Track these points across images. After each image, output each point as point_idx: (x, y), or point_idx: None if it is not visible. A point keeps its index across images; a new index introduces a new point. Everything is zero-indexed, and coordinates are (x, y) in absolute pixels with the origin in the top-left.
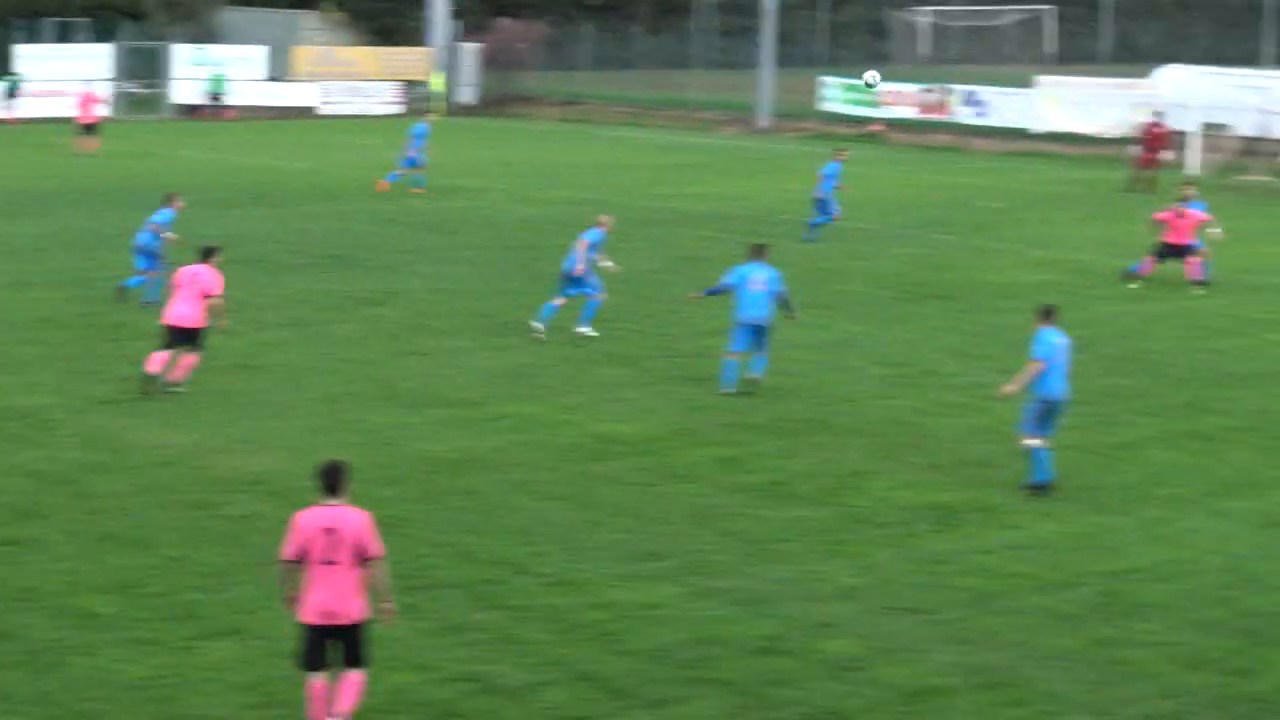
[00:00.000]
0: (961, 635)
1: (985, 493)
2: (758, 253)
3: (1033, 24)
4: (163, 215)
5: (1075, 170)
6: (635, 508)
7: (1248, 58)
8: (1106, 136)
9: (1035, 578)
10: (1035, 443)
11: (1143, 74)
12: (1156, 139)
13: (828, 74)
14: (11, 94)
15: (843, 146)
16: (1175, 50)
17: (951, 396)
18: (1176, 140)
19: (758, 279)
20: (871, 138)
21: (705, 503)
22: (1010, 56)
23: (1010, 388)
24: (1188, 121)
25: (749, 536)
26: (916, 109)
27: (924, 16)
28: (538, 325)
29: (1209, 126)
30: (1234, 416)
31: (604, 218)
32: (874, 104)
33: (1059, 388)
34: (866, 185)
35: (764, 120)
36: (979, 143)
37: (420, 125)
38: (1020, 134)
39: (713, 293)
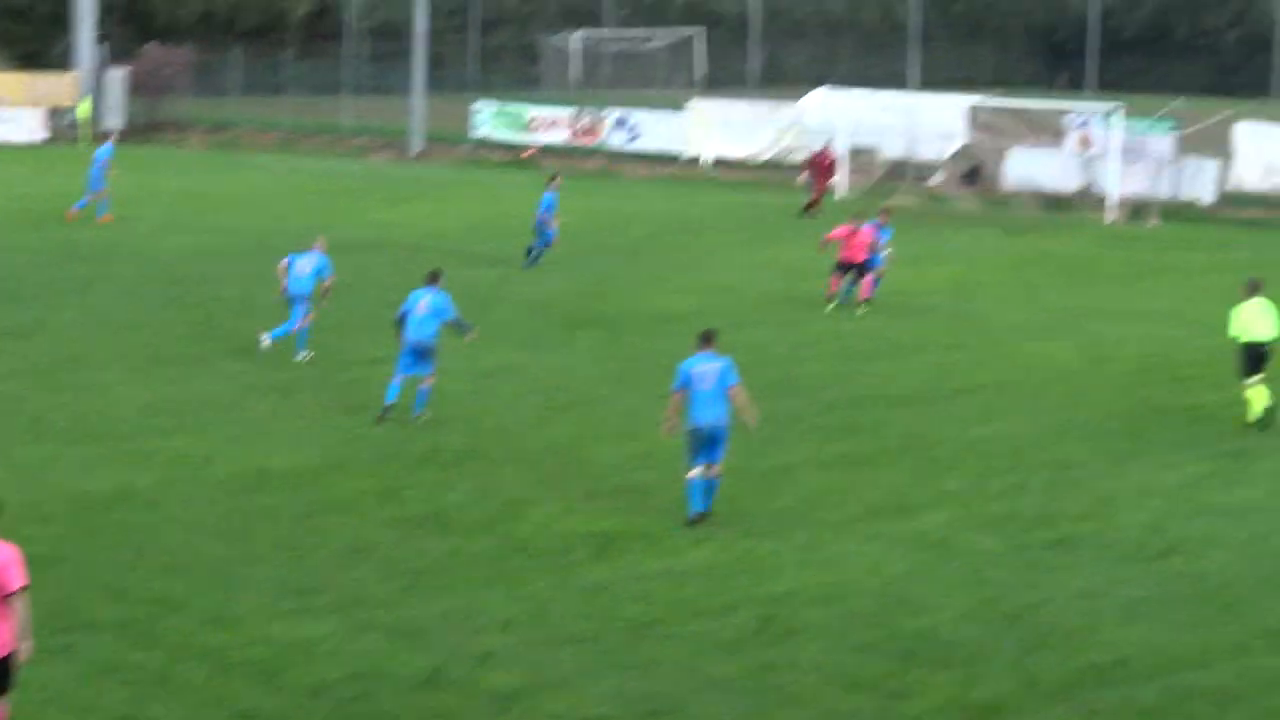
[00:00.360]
0: (622, 663)
1: (643, 519)
2: (431, 279)
3: (683, 48)
4: None
5: (727, 194)
6: (292, 541)
7: (893, 80)
8: (758, 160)
9: (694, 604)
10: (692, 473)
11: (792, 97)
12: (825, 165)
13: (480, 99)
14: None
15: (554, 174)
16: (823, 73)
17: (608, 424)
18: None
19: (422, 303)
20: (525, 163)
21: (363, 535)
22: (661, 80)
23: (667, 425)
24: (836, 144)
25: (408, 568)
26: (569, 134)
27: (574, 41)
28: (303, 355)
29: (856, 149)
30: (885, 439)
31: (319, 240)
32: (526, 129)
33: (702, 415)
34: (521, 211)
35: (417, 146)
36: (632, 168)
37: (104, 148)
38: (674, 158)
39: (398, 322)
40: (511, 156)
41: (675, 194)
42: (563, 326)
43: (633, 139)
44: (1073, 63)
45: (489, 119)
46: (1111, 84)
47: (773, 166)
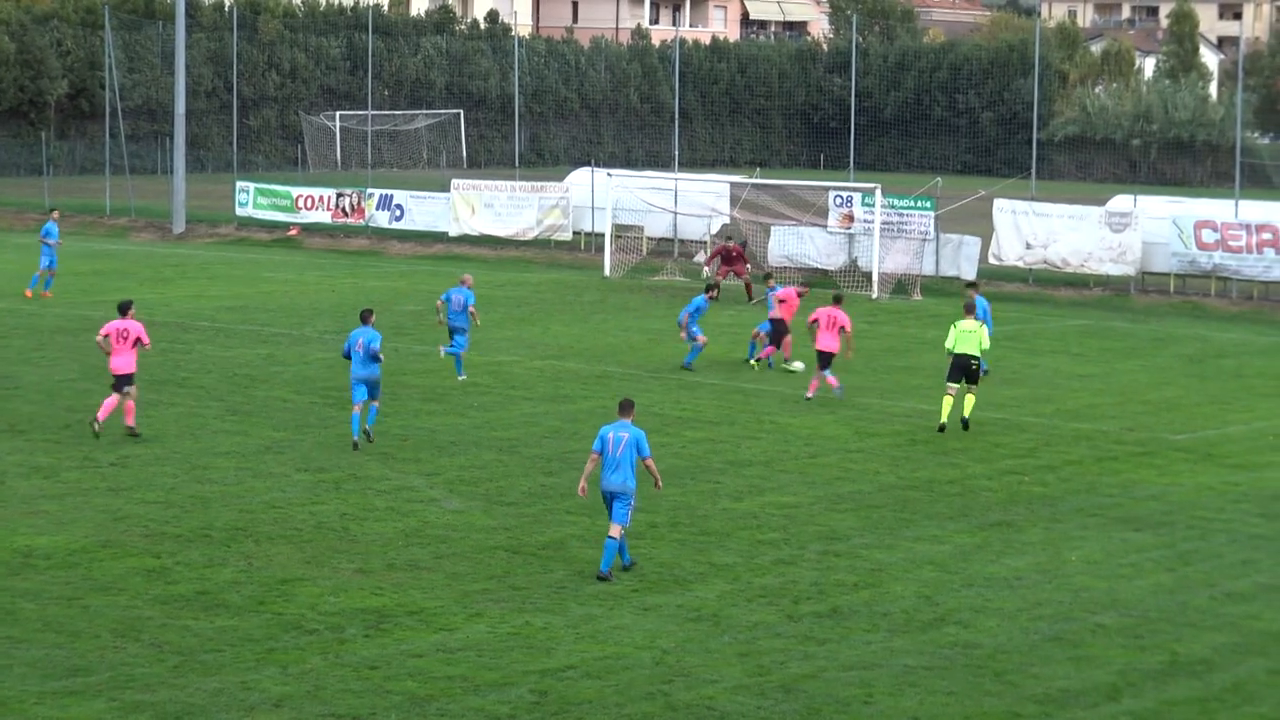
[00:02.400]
0: None
1: (415, 595)
2: (364, 317)
3: (447, 127)
4: None
5: (493, 273)
6: (59, 622)
7: (655, 160)
8: (522, 239)
9: (469, 679)
10: (612, 532)
11: (556, 176)
12: (733, 256)
13: (242, 179)
14: None
15: (711, 283)
16: (586, 152)
17: (378, 501)
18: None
19: (360, 342)
20: (289, 243)
21: (132, 615)
22: (426, 160)
23: (582, 484)
24: (600, 223)
25: (178, 648)
26: (331, 214)
27: (337, 120)
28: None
29: (620, 227)
30: (656, 513)
31: (466, 276)
32: (291, 208)
33: (607, 479)
34: (286, 290)
35: (179, 226)
36: (397, 246)
37: (50, 224)
38: (439, 237)
39: (346, 355)
40: (275, 236)
41: (440, 272)
42: (327, 404)
43: (398, 218)
44: (833, 142)
45: (252, 199)
46: (872, 163)
47: (538, 245)
